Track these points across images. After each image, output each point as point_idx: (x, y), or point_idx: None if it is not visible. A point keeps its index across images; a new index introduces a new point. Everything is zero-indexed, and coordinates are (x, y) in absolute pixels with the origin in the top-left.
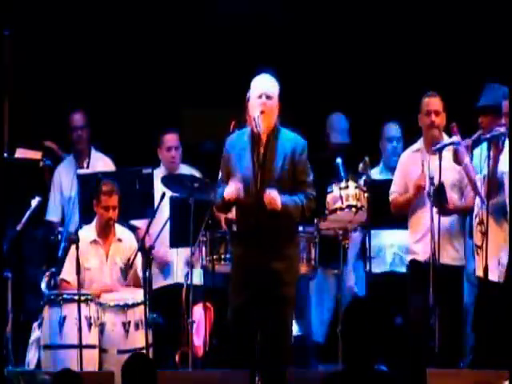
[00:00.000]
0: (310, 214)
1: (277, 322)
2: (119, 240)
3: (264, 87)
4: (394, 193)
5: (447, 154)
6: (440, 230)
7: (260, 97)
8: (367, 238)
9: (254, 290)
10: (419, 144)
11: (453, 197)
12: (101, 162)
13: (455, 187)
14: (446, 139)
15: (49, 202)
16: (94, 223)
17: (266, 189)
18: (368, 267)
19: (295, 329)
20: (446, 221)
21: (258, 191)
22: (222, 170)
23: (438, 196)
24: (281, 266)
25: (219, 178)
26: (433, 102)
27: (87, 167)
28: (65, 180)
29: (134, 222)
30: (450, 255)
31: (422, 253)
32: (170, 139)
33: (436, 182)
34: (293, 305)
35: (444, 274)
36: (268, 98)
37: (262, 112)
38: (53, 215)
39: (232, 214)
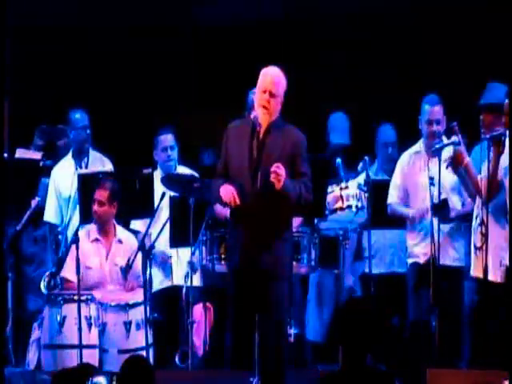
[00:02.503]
0: (305, 204)
1: (268, 322)
2: (120, 241)
3: (270, 84)
4: (393, 196)
5: (447, 155)
6: (440, 232)
7: (264, 92)
8: (365, 237)
9: (245, 287)
10: (419, 146)
11: (453, 200)
12: (99, 162)
13: (455, 190)
14: (445, 141)
15: (46, 203)
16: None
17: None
18: (367, 268)
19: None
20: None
21: (253, 182)
22: (221, 155)
23: (441, 211)
24: (270, 260)
25: (218, 165)
26: (435, 112)
27: (86, 167)
28: (63, 180)
29: (135, 225)
30: (450, 256)
31: (422, 255)
32: (164, 140)
33: (436, 182)
34: (284, 304)
35: (444, 274)
36: (272, 95)
37: (263, 107)
38: (51, 216)
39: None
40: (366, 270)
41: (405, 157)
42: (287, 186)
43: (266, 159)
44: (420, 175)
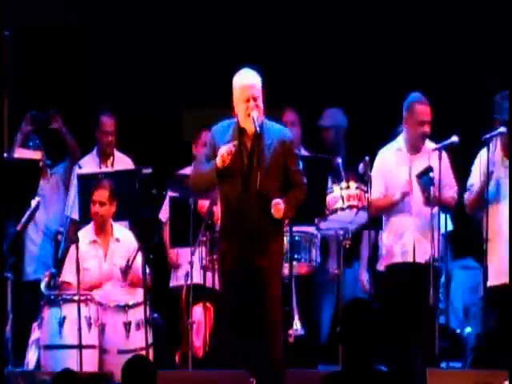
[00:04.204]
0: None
1: (264, 321)
2: (117, 240)
3: (250, 90)
4: (374, 193)
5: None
6: (415, 231)
7: (248, 100)
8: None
9: (239, 288)
10: (400, 143)
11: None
12: (123, 162)
13: (435, 187)
14: (427, 144)
15: (68, 199)
16: (91, 223)
17: (274, 200)
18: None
19: (299, 328)
20: (421, 221)
21: (246, 185)
22: (204, 158)
23: (425, 177)
24: (263, 262)
25: (202, 159)
26: (427, 112)
27: (111, 166)
28: None
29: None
30: (424, 255)
31: (400, 254)
32: (206, 135)
33: (436, 181)
34: (278, 303)
35: (421, 273)
36: (255, 99)
37: (249, 114)
38: (74, 212)
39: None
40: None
41: (385, 154)
42: (286, 213)
43: (256, 164)
44: (402, 174)
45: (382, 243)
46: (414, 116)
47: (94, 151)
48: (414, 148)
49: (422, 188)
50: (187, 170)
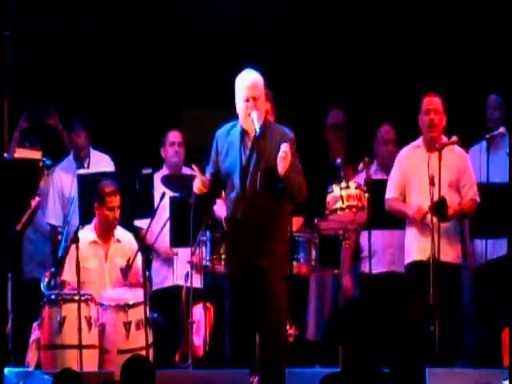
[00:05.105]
0: (301, 200)
1: (267, 321)
2: (118, 240)
3: (249, 91)
4: (392, 193)
5: (446, 152)
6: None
7: (247, 100)
8: (364, 237)
9: (243, 288)
10: (419, 142)
11: (451, 197)
12: (101, 161)
13: (452, 187)
14: (444, 140)
15: (48, 204)
16: (93, 224)
17: (284, 145)
18: (367, 267)
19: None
20: (443, 224)
21: (245, 186)
22: (210, 162)
23: (439, 210)
24: (266, 262)
25: (207, 170)
26: (432, 101)
27: (88, 167)
28: (65, 181)
29: (137, 223)
30: (449, 253)
31: (421, 251)
32: (173, 135)
33: (436, 182)
34: (282, 303)
35: (443, 272)
36: (255, 99)
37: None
38: (53, 218)
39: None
40: (364, 270)
41: (404, 152)
42: (291, 175)
43: (256, 165)
44: (419, 171)
45: (365, 244)
46: (421, 109)
47: (71, 155)
48: (430, 144)
49: (436, 216)
50: (162, 172)
